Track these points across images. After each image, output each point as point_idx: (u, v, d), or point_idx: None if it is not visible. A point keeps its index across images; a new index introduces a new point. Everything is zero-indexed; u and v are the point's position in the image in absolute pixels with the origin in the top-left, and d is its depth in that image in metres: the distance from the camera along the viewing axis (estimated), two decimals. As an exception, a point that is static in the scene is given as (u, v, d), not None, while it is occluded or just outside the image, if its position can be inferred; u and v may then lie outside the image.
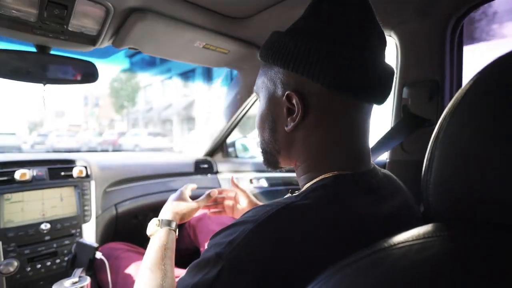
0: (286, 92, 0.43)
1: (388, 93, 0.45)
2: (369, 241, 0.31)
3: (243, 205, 0.84)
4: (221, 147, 1.65)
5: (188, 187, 0.82)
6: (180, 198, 0.76)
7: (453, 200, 0.30)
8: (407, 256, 0.27)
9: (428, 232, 0.29)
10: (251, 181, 1.50)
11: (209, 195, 0.81)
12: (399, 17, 0.77)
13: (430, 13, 0.74)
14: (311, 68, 0.40)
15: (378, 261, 0.28)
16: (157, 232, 0.65)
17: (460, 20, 0.74)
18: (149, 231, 0.68)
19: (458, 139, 0.29)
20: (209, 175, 1.59)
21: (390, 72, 0.44)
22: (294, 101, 0.42)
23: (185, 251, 1.37)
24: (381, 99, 0.44)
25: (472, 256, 0.25)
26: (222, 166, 1.63)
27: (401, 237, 0.30)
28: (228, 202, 0.89)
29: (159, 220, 0.68)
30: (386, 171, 0.51)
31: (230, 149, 1.70)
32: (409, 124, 0.75)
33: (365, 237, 0.35)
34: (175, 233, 0.68)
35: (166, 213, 0.72)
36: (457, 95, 0.30)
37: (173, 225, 0.68)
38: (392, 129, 0.78)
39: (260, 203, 0.84)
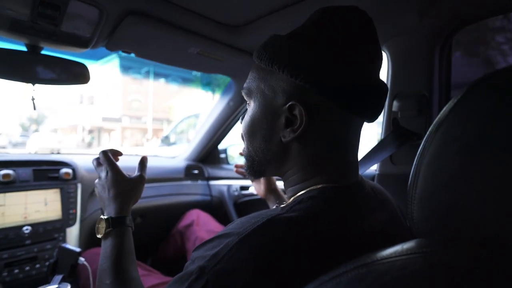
0: (290, 103, 0.41)
1: (381, 110, 0.45)
2: (354, 255, 0.31)
3: (260, 185, 0.85)
4: (212, 153, 1.65)
5: (108, 156, 0.66)
6: (117, 179, 0.62)
7: (437, 216, 0.30)
8: (389, 272, 0.27)
9: (411, 248, 0.29)
10: (241, 188, 1.49)
11: (142, 162, 0.70)
12: (391, 32, 0.79)
13: (420, 29, 0.75)
14: (324, 80, 0.39)
15: (360, 276, 0.28)
16: (110, 235, 0.58)
17: (449, 37, 0.76)
18: (99, 233, 0.59)
19: (443, 155, 0.29)
20: (199, 181, 1.57)
21: (386, 89, 0.44)
22: (296, 112, 0.41)
23: (172, 258, 1.34)
24: (375, 116, 0.44)
25: (454, 273, 0.25)
26: (213, 172, 1.62)
27: (384, 253, 0.30)
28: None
29: (107, 219, 0.58)
30: (374, 183, 0.52)
31: (222, 155, 1.69)
32: (399, 137, 0.76)
33: (350, 251, 0.34)
34: (132, 227, 0.61)
35: (112, 207, 0.60)
36: (443, 111, 0.30)
37: (127, 221, 0.60)
38: (381, 141, 0.78)
39: (280, 193, 0.84)
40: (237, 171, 0.89)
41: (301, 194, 0.42)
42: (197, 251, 0.39)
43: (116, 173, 0.63)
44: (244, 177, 0.90)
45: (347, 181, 0.43)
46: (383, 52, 0.84)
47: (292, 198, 0.43)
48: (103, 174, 0.64)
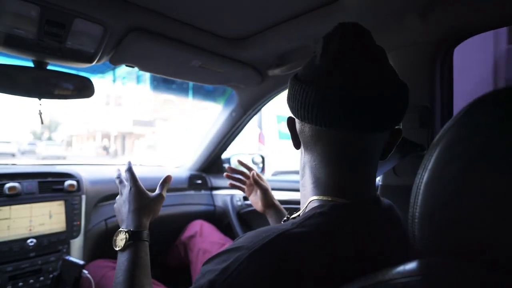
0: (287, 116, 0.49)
1: (378, 122, 0.40)
2: (362, 274, 0.31)
3: (259, 199, 0.87)
4: (216, 163, 1.65)
5: (133, 173, 0.68)
6: (138, 195, 0.65)
7: (438, 236, 0.29)
8: None
9: (413, 270, 0.29)
10: (245, 198, 1.49)
11: (165, 181, 0.72)
12: (391, 44, 0.79)
13: (421, 41, 0.75)
14: (288, 102, 0.46)
15: None
16: (129, 248, 0.59)
17: (450, 49, 0.76)
18: (117, 246, 0.60)
19: (444, 174, 0.29)
20: (202, 191, 1.57)
21: (379, 101, 0.39)
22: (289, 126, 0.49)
23: (175, 269, 1.34)
24: (371, 128, 0.41)
25: None
26: (217, 182, 1.62)
27: (386, 274, 0.30)
28: (249, 184, 0.91)
29: (126, 232, 0.60)
30: (388, 201, 0.50)
31: (226, 165, 1.69)
32: (401, 149, 0.76)
33: (358, 269, 0.34)
34: (148, 241, 0.62)
35: (131, 220, 0.62)
36: (442, 129, 0.30)
37: (145, 235, 0.61)
38: (384, 152, 0.78)
39: (278, 205, 0.86)
40: (230, 184, 0.92)
41: (312, 208, 0.43)
42: (207, 265, 0.39)
43: (138, 189, 0.65)
44: (233, 188, 0.93)
45: (361, 197, 0.43)
46: None
47: (302, 210, 0.45)
48: (125, 190, 0.66)
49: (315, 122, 0.42)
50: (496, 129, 0.26)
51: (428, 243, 0.30)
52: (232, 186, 0.91)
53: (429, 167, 0.30)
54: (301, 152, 0.49)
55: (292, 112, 0.46)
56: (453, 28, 0.72)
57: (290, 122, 0.49)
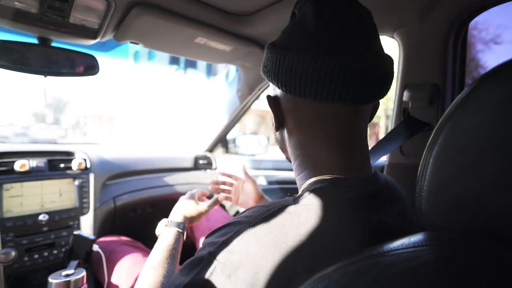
0: (272, 96, 0.47)
1: (367, 94, 0.40)
2: (363, 248, 0.31)
3: (249, 195, 0.88)
4: (221, 143, 1.66)
5: (199, 192, 0.85)
6: (191, 201, 0.78)
7: (445, 210, 0.29)
8: (395, 264, 0.27)
9: (419, 241, 0.29)
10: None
11: (217, 200, 0.83)
12: (402, 19, 0.76)
13: (433, 16, 0.72)
14: (270, 75, 0.43)
15: (366, 268, 0.28)
16: (165, 232, 0.67)
17: (463, 25, 0.73)
18: (157, 231, 0.70)
19: (453, 148, 0.28)
20: (208, 171, 1.59)
21: (371, 72, 0.39)
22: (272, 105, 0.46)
23: (181, 246, 1.38)
24: (360, 100, 0.40)
25: (460, 267, 0.25)
26: (222, 162, 1.63)
27: (391, 245, 0.30)
28: (235, 189, 0.93)
29: (168, 220, 0.71)
30: (388, 177, 0.51)
31: (231, 146, 1.70)
32: (409, 127, 0.75)
33: (359, 244, 0.35)
34: (183, 235, 0.70)
35: (176, 214, 0.74)
36: (453, 103, 0.29)
37: (181, 227, 0.70)
38: (391, 131, 0.77)
39: (266, 197, 0.88)
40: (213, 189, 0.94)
41: (311, 183, 0.42)
42: (208, 237, 0.40)
43: (190, 198, 0.80)
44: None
45: (360, 174, 0.43)
46: (394, 40, 0.82)
47: (302, 187, 0.44)
48: (184, 196, 0.82)
49: (314, 96, 0.39)
50: (506, 102, 0.25)
51: (435, 217, 0.31)
52: (214, 190, 0.96)
53: (439, 140, 0.29)
54: (285, 134, 0.47)
55: (283, 86, 0.41)
56: (467, 2, 0.68)
57: (273, 101, 0.46)
